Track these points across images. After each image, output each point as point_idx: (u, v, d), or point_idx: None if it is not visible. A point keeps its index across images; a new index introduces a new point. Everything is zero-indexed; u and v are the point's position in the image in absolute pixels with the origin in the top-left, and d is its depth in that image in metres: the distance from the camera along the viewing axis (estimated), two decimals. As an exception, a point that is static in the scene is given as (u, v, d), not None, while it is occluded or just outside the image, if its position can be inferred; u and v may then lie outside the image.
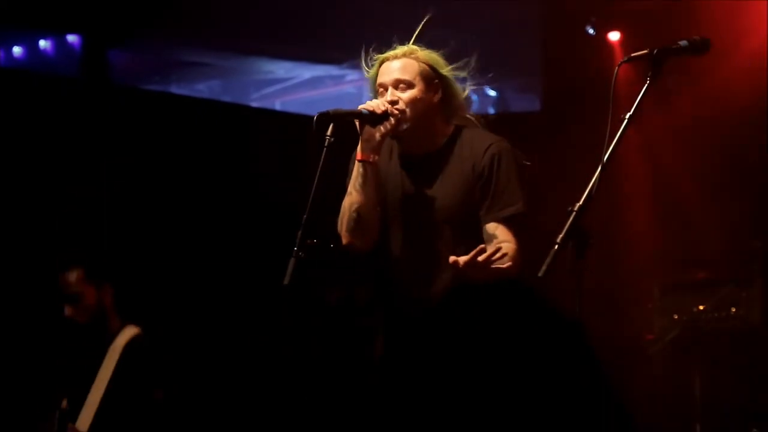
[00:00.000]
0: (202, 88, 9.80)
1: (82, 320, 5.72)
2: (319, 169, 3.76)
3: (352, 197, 4.03)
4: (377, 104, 4.00)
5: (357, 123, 4.01)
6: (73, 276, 5.73)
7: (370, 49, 4.17)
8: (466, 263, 3.74)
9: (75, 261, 5.80)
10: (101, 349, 5.69)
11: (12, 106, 7.11)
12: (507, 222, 3.99)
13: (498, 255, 3.74)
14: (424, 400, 4.09)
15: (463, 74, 4.16)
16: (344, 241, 4.06)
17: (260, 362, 7.38)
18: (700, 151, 7.64)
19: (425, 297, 4.05)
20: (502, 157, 4.06)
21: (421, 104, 4.07)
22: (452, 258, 3.77)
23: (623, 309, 7.53)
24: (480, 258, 3.72)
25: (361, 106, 4.00)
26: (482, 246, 3.77)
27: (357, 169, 4.03)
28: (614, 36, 8.18)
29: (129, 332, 5.71)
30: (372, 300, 4.26)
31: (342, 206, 4.07)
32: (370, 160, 4.02)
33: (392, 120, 4.01)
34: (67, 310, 5.71)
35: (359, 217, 4.02)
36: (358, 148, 4.04)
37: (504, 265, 3.78)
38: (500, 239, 3.91)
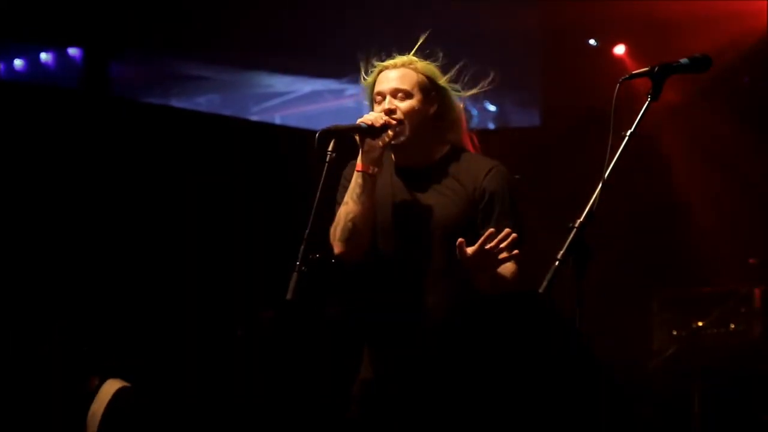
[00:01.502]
0: (202, 102, 9.81)
1: None
2: (321, 184, 3.76)
3: (349, 207, 4.02)
4: (375, 117, 4.00)
5: (357, 137, 4.02)
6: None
7: (370, 57, 4.18)
8: (475, 252, 3.76)
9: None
10: (81, 407, 5.34)
11: (13, 119, 7.12)
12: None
13: (508, 241, 3.75)
14: (417, 423, 4.07)
15: (459, 89, 4.17)
16: (336, 250, 4.05)
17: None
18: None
19: (418, 312, 4.04)
20: (503, 183, 4.07)
21: (418, 115, 4.07)
22: (460, 240, 3.78)
23: (622, 324, 7.53)
24: (488, 246, 3.74)
25: (359, 120, 4.00)
26: (492, 230, 3.79)
27: (356, 180, 4.03)
28: (619, 49, 8.22)
29: (111, 387, 5.35)
30: (360, 315, 4.23)
31: (338, 215, 4.06)
32: (370, 171, 4.03)
33: (390, 132, 4.02)
34: None
35: (354, 227, 4.01)
36: (359, 159, 4.04)
37: (514, 252, 3.78)
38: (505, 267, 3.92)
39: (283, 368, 7.37)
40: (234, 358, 7.39)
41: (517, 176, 4.14)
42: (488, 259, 3.78)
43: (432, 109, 4.11)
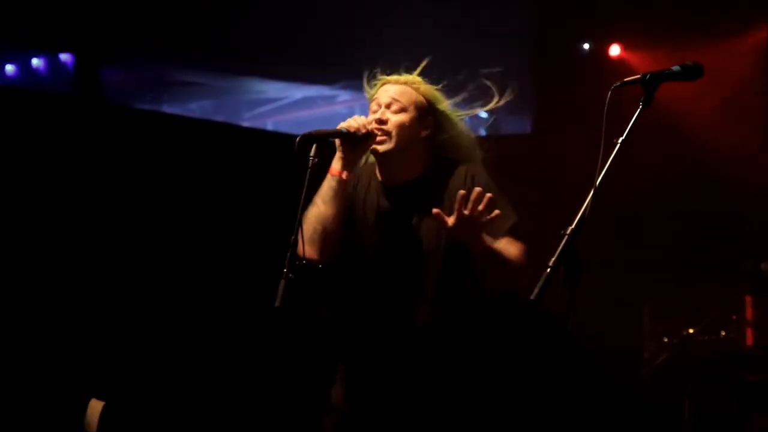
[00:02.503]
0: (194, 108, 9.80)
1: None
2: (304, 190, 3.75)
3: (319, 209, 4.00)
4: (361, 123, 3.99)
5: (337, 141, 4.01)
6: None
7: (375, 68, 4.19)
8: (456, 221, 3.75)
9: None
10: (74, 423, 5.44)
11: (4, 124, 7.10)
12: (511, 234, 3.99)
13: (484, 202, 3.74)
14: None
15: (461, 112, 4.17)
16: (299, 250, 4.04)
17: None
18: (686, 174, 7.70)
19: (405, 329, 4.02)
20: (478, 176, 4.06)
21: (407, 132, 4.06)
22: (435, 210, 3.77)
23: (613, 331, 7.52)
24: (465, 211, 3.73)
25: (342, 125, 3.99)
26: (462, 192, 3.77)
27: (327, 183, 4.01)
28: (615, 50, 8.21)
29: (97, 406, 5.46)
30: (342, 331, 4.21)
31: (306, 216, 4.03)
32: (343, 176, 4.02)
33: (370, 141, 4.01)
34: None
35: (322, 230, 4.00)
36: (333, 162, 4.03)
37: (493, 214, 3.77)
38: (510, 250, 3.91)
39: (272, 374, 7.38)
40: (229, 362, 7.39)
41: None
42: (472, 225, 3.77)
43: (424, 133, 4.10)
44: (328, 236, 4.01)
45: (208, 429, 7.30)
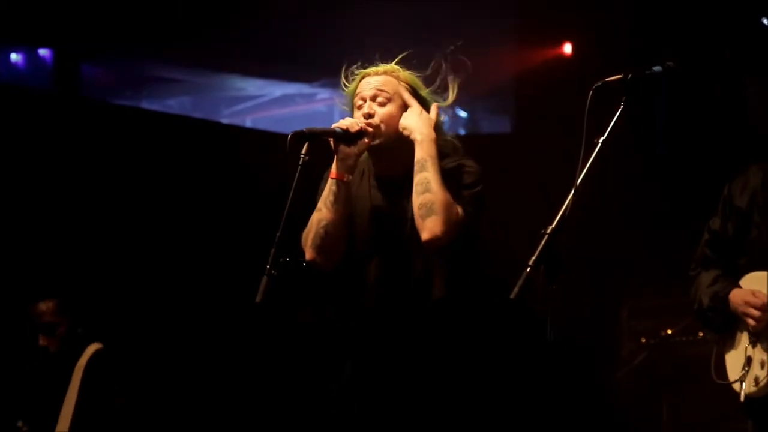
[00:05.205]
0: (173, 104, 9.79)
1: (54, 349, 5.97)
2: (293, 187, 3.73)
3: (322, 213, 4.00)
4: (351, 123, 3.98)
5: (331, 141, 4.00)
6: (46, 306, 5.98)
7: (351, 65, 4.17)
8: None
9: (49, 293, 6.03)
10: (67, 370, 5.88)
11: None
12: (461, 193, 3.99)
13: None
14: (396, 425, 4.05)
15: (443, 100, 4.16)
16: (308, 256, 4.02)
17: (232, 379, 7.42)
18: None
19: (398, 320, 4.02)
20: (469, 176, 4.06)
21: (395, 122, 4.05)
22: None
23: (591, 331, 7.53)
24: None
25: (334, 125, 3.97)
26: None
27: (329, 187, 4.00)
28: (567, 48, 8.20)
29: (91, 349, 5.91)
30: (339, 323, 4.21)
31: (310, 221, 4.03)
32: (344, 179, 4.01)
33: (366, 139, 3.99)
34: (42, 340, 5.97)
35: (326, 234, 3.99)
36: (333, 166, 4.02)
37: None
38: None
39: (255, 372, 7.39)
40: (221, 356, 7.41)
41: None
42: None
43: None
44: (332, 240, 4.00)
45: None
